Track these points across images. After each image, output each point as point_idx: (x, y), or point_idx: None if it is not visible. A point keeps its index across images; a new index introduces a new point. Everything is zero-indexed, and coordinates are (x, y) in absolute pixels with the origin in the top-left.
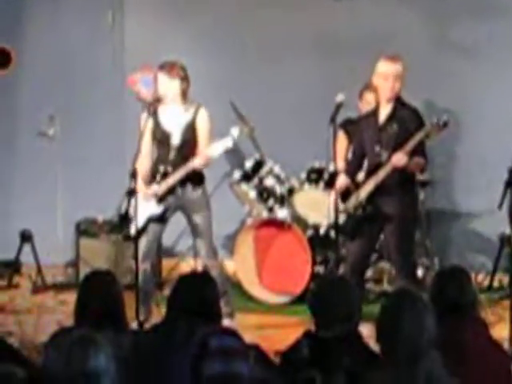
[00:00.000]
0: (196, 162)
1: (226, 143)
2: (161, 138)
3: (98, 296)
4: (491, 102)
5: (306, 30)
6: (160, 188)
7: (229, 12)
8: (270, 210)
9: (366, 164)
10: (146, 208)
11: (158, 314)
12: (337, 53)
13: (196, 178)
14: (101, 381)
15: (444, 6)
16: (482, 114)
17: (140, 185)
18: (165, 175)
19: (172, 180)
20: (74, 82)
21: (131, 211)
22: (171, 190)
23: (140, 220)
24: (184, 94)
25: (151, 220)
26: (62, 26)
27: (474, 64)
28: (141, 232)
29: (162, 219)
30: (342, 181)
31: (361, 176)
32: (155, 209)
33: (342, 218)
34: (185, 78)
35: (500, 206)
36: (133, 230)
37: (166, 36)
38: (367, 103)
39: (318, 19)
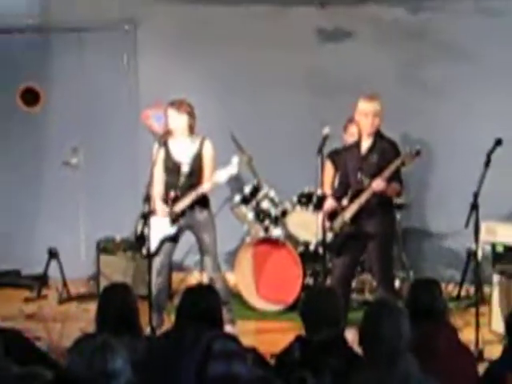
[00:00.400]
0: (205, 187)
1: (231, 170)
2: (172, 166)
3: (115, 306)
4: (457, 135)
5: (297, 71)
6: (174, 211)
7: (231, 56)
8: (266, 229)
9: (350, 189)
10: (159, 229)
11: (168, 322)
12: (324, 91)
13: (202, 201)
14: (118, 381)
15: (416, 51)
16: (450, 146)
17: (159, 205)
18: (175, 199)
19: (184, 203)
20: (95, 118)
21: (146, 232)
22: (182, 213)
23: (154, 240)
24: (191, 128)
25: (166, 240)
26: (84, 68)
27: (441, 102)
28: (156, 251)
29: (174, 239)
30: (329, 204)
31: (345, 200)
32: (169, 229)
33: (329, 236)
34: (191, 114)
35: (466, 225)
36: (147, 249)
37: (175, 76)
38: (351, 135)
39: (309, 61)
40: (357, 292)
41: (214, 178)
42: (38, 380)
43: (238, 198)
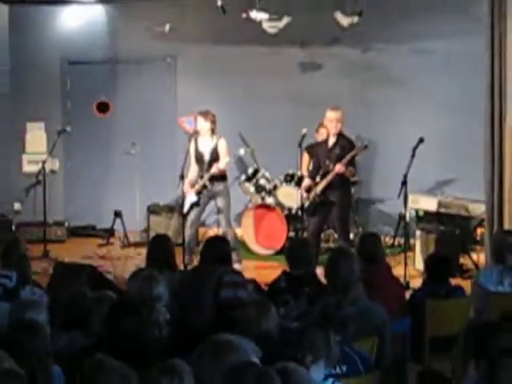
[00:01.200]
0: (212, 171)
1: (226, 159)
2: (199, 157)
3: (159, 250)
4: (392, 135)
5: (285, 91)
6: (196, 187)
7: (240, 81)
8: (263, 198)
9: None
10: (189, 199)
11: (195, 261)
12: (303, 105)
13: (220, 178)
14: (160, 301)
15: (365, 79)
16: (388, 142)
17: (186, 185)
18: (201, 178)
19: (202, 182)
20: (147, 122)
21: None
22: (204, 187)
23: (186, 205)
24: (212, 131)
25: (193, 205)
26: (140, 88)
27: (382, 113)
28: (187, 213)
29: (198, 204)
30: (306, 182)
31: (317, 178)
32: (194, 198)
33: (306, 204)
34: (213, 121)
35: (398, 196)
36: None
37: (202, 94)
38: (321, 135)
39: (293, 85)
40: (324, 242)
41: (217, 166)
42: (107, 300)
43: (243, 177)
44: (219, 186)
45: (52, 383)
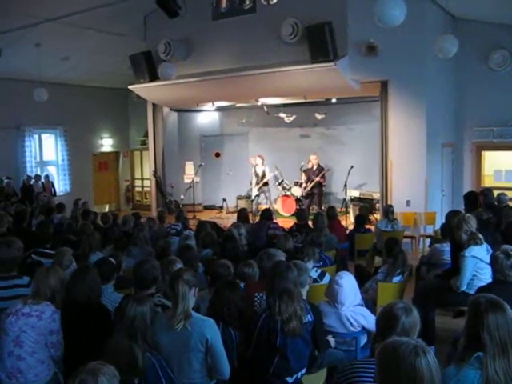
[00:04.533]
0: (264, 181)
1: (268, 177)
2: (256, 175)
3: (241, 214)
4: (339, 165)
5: (293, 146)
6: (257, 187)
7: (274, 142)
8: (285, 192)
9: (309, 180)
10: (254, 192)
11: (257, 219)
12: (301, 152)
13: (266, 183)
14: (242, 235)
15: (326, 141)
16: (337, 168)
17: (252, 188)
18: (257, 184)
19: (259, 186)
20: (235, 159)
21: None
22: (260, 188)
23: (253, 196)
24: (262, 163)
25: (256, 195)
26: (233, 146)
27: (334, 156)
28: (253, 199)
29: (258, 195)
30: (303, 185)
31: (309, 183)
32: (256, 192)
33: (303, 194)
34: (263, 159)
35: (342, 190)
36: (251, 198)
37: (259, 148)
38: (309, 164)
39: (296, 144)
40: (311, 210)
41: (265, 179)
42: (221, 235)
43: (277, 183)
44: (266, 188)
45: (198, 270)
